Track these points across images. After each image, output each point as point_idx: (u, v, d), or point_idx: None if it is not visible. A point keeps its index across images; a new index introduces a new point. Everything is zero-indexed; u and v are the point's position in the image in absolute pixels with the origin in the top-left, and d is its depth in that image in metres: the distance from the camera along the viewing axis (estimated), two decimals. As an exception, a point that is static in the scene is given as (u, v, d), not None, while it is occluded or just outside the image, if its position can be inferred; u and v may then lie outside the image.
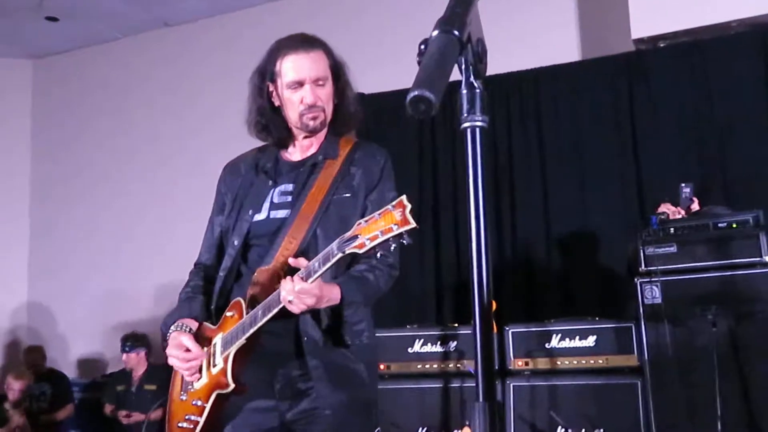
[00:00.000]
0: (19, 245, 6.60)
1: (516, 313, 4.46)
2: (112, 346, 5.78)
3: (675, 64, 4.58)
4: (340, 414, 1.97)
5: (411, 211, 1.65)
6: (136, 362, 5.46)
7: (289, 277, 1.82)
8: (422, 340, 4.15)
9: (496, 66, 4.79)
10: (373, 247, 1.67)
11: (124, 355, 5.45)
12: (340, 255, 1.73)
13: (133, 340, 5.47)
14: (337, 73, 2.15)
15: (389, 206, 1.68)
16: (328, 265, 1.77)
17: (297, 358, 1.98)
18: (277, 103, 2.14)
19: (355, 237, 1.69)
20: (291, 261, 1.88)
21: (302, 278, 1.80)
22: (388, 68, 4.77)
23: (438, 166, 5.09)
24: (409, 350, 4.15)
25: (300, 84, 2.09)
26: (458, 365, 4.05)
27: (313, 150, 2.18)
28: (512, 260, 4.81)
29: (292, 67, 2.09)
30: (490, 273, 1.08)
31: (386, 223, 1.65)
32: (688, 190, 3.83)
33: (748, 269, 3.49)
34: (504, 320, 4.03)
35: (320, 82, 2.10)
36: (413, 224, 1.64)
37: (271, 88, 2.14)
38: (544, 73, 4.88)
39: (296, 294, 1.80)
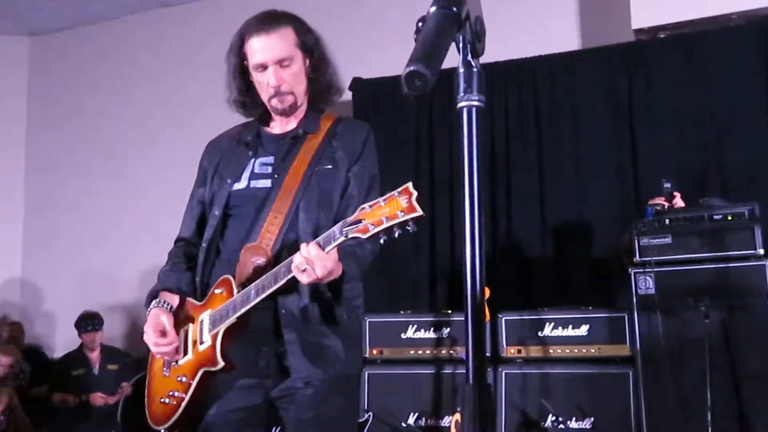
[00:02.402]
0: (14, 221, 6.58)
1: (510, 300, 4.46)
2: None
3: (674, 55, 4.56)
4: (321, 393, 1.97)
5: (417, 199, 1.61)
6: (98, 343, 5.31)
7: (304, 244, 1.79)
8: (415, 326, 4.15)
9: (495, 53, 4.81)
10: (377, 233, 1.65)
11: (90, 335, 5.26)
12: (342, 239, 1.71)
13: (96, 319, 5.32)
14: (308, 48, 2.10)
15: (395, 192, 1.64)
16: (329, 248, 1.75)
17: (277, 334, 1.98)
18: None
19: (359, 221, 1.66)
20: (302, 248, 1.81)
21: (319, 244, 1.77)
22: (386, 53, 4.74)
23: (435, 151, 5.07)
24: (402, 336, 4.16)
25: (264, 67, 2.06)
26: (451, 351, 4.05)
27: (293, 125, 2.16)
28: (507, 248, 4.80)
29: (254, 49, 2.05)
30: (483, 253, 1.08)
31: (391, 210, 1.62)
32: (668, 185, 3.83)
33: (742, 262, 3.49)
34: (498, 308, 4.03)
35: (285, 63, 2.05)
36: (420, 212, 1.61)
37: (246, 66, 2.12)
38: (543, 62, 4.85)
39: (310, 261, 1.76)
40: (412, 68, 0.93)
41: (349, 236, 1.69)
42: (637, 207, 4.29)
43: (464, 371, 3.37)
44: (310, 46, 2.10)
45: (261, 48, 2.04)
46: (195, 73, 6.08)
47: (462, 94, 1.09)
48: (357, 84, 5.12)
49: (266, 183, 2.06)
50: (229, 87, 2.15)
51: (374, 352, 4.18)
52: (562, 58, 4.83)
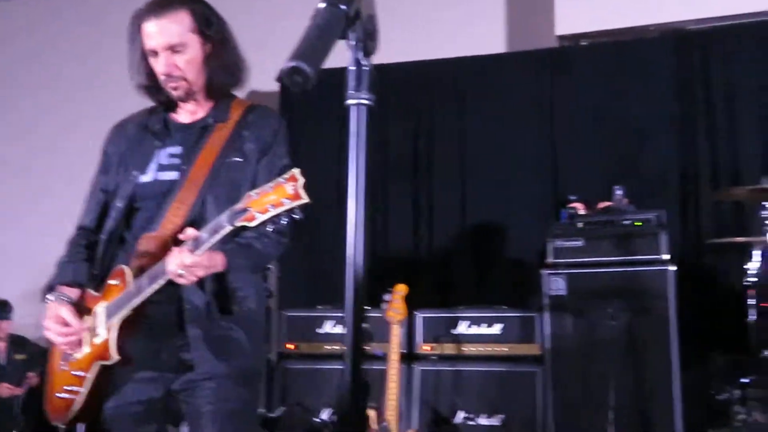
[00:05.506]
0: None
1: (430, 299, 4.49)
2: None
3: (595, 63, 4.67)
4: (224, 385, 1.95)
5: (304, 186, 1.63)
6: (6, 332, 5.10)
7: (176, 250, 1.78)
8: (332, 321, 4.15)
9: (421, 52, 4.81)
10: (264, 221, 1.65)
11: None
12: (229, 228, 1.70)
13: (5, 307, 5.09)
14: (207, 32, 2.03)
15: (281, 179, 1.65)
16: (217, 237, 1.74)
17: (180, 327, 1.95)
18: None
19: (246, 209, 1.66)
20: (182, 236, 1.83)
21: (190, 250, 1.77)
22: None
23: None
24: (318, 331, 4.15)
25: (155, 53, 2.01)
26: (366, 347, 4.07)
27: (201, 113, 2.11)
28: (428, 247, 4.85)
29: (145, 34, 2.00)
30: (367, 254, 1.08)
31: (278, 197, 1.63)
32: (620, 192, 3.95)
33: (647, 266, 3.63)
34: (417, 306, 4.06)
35: (177, 49, 1.99)
36: (305, 199, 1.62)
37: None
38: (469, 63, 4.90)
39: (187, 268, 1.77)
40: (292, 64, 0.93)
41: (236, 225, 1.68)
42: (554, 209, 4.39)
43: (379, 367, 3.37)
44: (209, 30, 2.03)
45: (151, 33, 1.99)
46: (117, 55, 5.91)
47: (351, 92, 1.09)
48: (284, 76, 5.06)
49: (173, 175, 2.02)
50: (136, 72, 2.08)
51: (290, 346, 4.16)
52: (488, 60, 4.89)
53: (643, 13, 4.54)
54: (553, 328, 3.73)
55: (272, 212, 1.63)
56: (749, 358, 3.55)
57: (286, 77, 0.94)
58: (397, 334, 3.83)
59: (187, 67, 2.01)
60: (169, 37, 1.98)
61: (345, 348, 1.03)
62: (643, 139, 4.49)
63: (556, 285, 3.74)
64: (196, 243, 1.77)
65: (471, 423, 3.80)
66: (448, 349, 3.99)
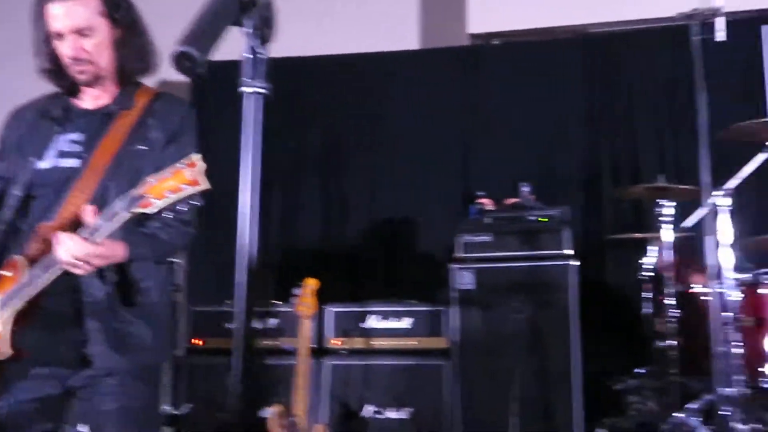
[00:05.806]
0: None
1: (340, 293, 4.48)
2: None
3: (506, 62, 4.76)
4: (124, 381, 1.90)
5: (203, 171, 1.61)
6: None
7: (65, 236, 1.72)
8: (240, 316, 4.08)
9: (336, 47, 4.77)
10: (162, 208, 1.62)
11: None
12: (126, 214, 1.66)
13: None
14: (116, 17, 1.98)
15: (180, 164, 1.62)
16: (114, 224, 1.69)
17: (79, 319, 1.88)
18: None
19: (143, 196, 1.63)
20: (83, 212, 1.76)
21: (84, 237, 1.71)
22: (229, 35, 4.61)
23: (272, 140, 5.00)
24: (227, 326, 4.08)
25: (60, 35, 1.94)
26: (276, 342, 4.03)
27: (104, 100, 2.05)
28: (338, 241, 4.84)
29: (51, 16, 1.93)
30: (260, 244, 1.06)
31: (176, 183, 1.61)
32: (527, 189, 4.03)
33: (551, 261, 3.73)
34: (326, 300, 4.04)
35: (84, 32, 1.93)
36: (204, 185, 1.60)
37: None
38: (382, 59, 4.91)
39: (85, 256, 1.72)
40: (180, 49, 0.91)
41: (132, 211, 1.65)
42: (464, 205, 4.45)
43: (287, 362, 3.34)
44: (118, 13, 1.98)
45: (58, 15, 1.92)
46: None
47: (247, 80, 1.07)
48: (195, 66, 4.94)
49: (74, 162, 1.95)
50: (38, 55, 2.01)
51: (198, 342, 4.08)
52: (401, 56, 4.91)
53: (552, 14, 4.66)
54: (462, 321, 3.78)
55: (170, 198, 1.60)
56: (644, 349, 3.72)
57: (175, 63, 0.91)
58: (306, 328, 3.80)
59: (95, 50, 1.96)
60: (76, 19, 1.91)
61: (235, 340, 1.01)
62: (550, 137, 4.61)
63: (464, 279, 3.80)
64: (92, 231, 1.72)
65: (379, 416, 3.82)
66: (358, 343, 3.99)
